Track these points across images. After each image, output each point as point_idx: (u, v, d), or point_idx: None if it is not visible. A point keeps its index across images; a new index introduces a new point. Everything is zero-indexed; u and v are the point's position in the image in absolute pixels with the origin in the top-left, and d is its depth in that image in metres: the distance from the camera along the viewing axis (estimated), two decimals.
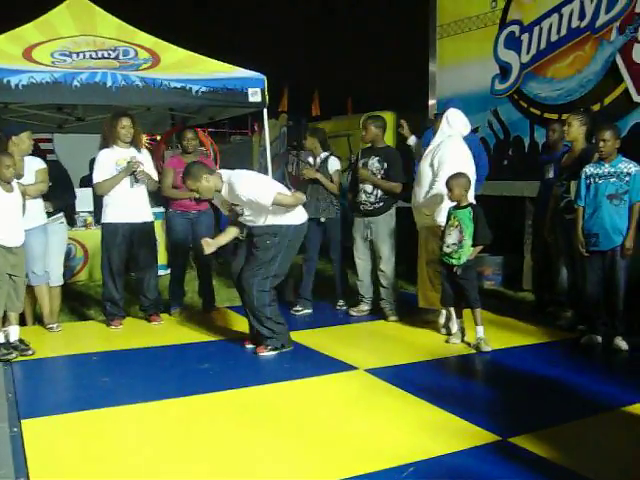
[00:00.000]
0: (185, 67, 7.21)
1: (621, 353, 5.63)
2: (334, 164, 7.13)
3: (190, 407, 4.44)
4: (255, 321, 5.56)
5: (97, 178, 6.36)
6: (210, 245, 5.58)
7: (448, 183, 5.70)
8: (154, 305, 6.71)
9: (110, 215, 6.40)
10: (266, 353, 5.53)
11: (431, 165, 6.03)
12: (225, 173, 5.56)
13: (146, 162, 6.49)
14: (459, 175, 5.71)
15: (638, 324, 5.87)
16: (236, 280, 5.70)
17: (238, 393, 4.69)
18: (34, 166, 6.05)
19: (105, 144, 6.42)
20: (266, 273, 5.50)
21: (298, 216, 5.61)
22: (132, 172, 6.31)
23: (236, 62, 7.55)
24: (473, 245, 5.69)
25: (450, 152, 6.01)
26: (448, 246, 5.73)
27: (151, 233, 6.69)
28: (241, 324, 6.24)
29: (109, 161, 6.36)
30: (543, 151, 7.36)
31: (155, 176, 6.60)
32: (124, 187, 6.37)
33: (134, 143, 6.47)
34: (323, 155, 7.22)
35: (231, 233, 5.72)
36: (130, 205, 6.40)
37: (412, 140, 7.20)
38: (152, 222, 6.70)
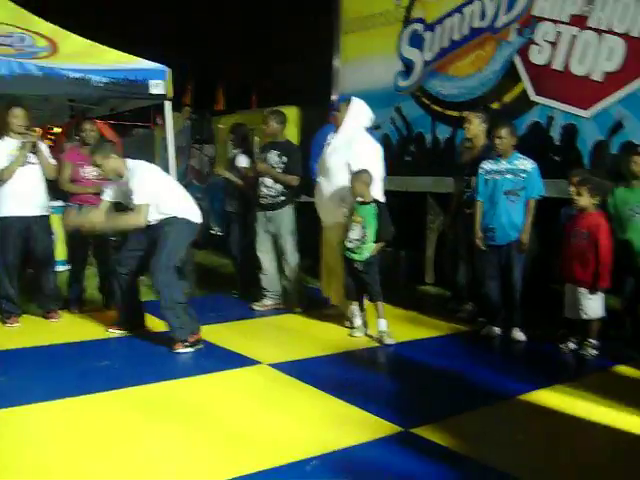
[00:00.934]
0: (85, 57, 6.98)
1: (518, 344, 5.81)
2: (241, 160, 7.10)
3: (90, 405, 4.29)
4: (170, 313, 5.44)
5: None
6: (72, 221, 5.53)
7: (350, 180, 5.74)
8: (52, 302, 6.48)
9: (4, 209, 6.13)
10: (182, 350, 5.41)
11: (345, 161, 6.01)
12: (130, 162, 5.47)
13: (41, 149, 6.27)
14: (360, 172, 5.75)
15: (535, 315, 6.05)
16: (128, 277, 5.70)
17: (139, 390, 4.57)
18: None
19: None
20: (173, 262, 5.44)
21: (190, 214, 5.58)
22: (31, 151, 6.11)
23: (140, 54, 7.36)
24: (375, 241, 5.74)
25: (366, 148, 6.06)
26: (351, 241, 5.76)
27: (47, 227, 6.45)
28: (147, 319, 6.10)
29: (2, 151, 6.09)
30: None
31: (53, 162, 6.38)
32: (19, 179, 6.11)
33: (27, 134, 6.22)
34: (235, 151, 7.17)
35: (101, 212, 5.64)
36: (26, 198, 6.15)
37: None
38: (48, 216, 6.45)
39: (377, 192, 5.97)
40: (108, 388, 4.54)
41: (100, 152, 5.46)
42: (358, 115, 6.17)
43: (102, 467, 3.44)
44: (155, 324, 5.97)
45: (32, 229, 6.23)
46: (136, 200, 5.36)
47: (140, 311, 6.03)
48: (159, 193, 5.44)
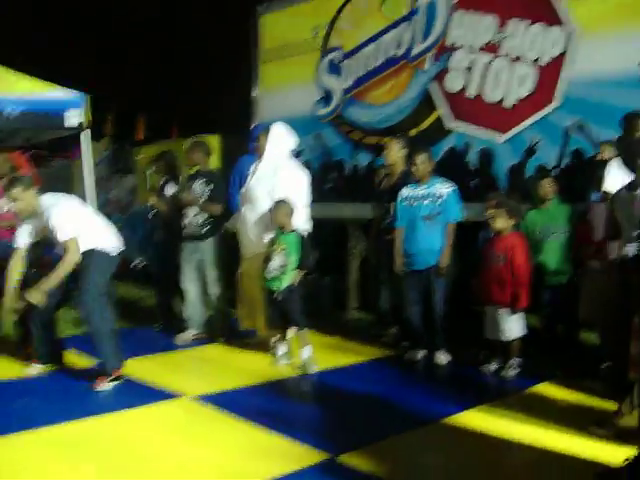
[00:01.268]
0: None
1: (442, 367, 5.86)
2: (168, 189, 7.10)
3: (5, 447, 4.12)
4: (96, 345, 5.29)
5: None
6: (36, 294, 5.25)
7: (271, 209, 5.73)
8: None
9: None
10: (105, 386, 5.24)
11: (270, 190, 5.96)
12: (47, 198, 5.33)
13: None
14: (281, 201, 5.74)
15: (457, 337, 6.12)
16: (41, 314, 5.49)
17: (56, 429, 4.40)
18: None
19: None
20: (97, 293, 5.31)
21: (110, 245, 5.46)
22: None
23: (59, 82, 7.19)
24: (295, 270, 5.72)
25: (291, 175, 6.05)
26: (271, 270, 5.73)
27: None
28: (66, 356, 5.93)
29: None
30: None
31: None
32: None
33: None
34: (162, 179, 7.18)
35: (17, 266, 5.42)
36: None
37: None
38: None
39: (303, 219, 5.97)
40: (23, 428, 4.36)
41: (18, 186, 5.23)
42: (280, 141, 6.15)
43: None
44: (76, 360, 5.80)
45: None
46: (62, 237, 5.18)
47: (58, 346, 5.84)
48: (79, 224, 5.30)
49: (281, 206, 5.72)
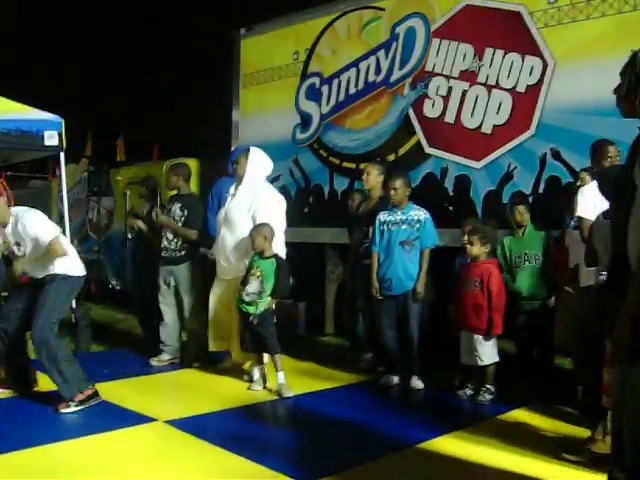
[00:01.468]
0: None
1: (417, 392, 5.85)
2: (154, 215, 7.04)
3: None
4: (52, 371, 5.20)
5: None
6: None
7: (250, 233, 5.73)
8: None
9: None
10: (68, 409, 5.15)
11: (249, 213, 5.95)
12: (14, 209, 5.29)
13: None
14: (261, 225, 5.74)
15: (433, 362, 6.12)
16: (12, 336, 5.45)
17: (23, 454, 4.30)
18: None
19: None
20: (55, 319, 5.25)
21: (73, 268, 5.40)
22: None
23: (35, 105, 7.18)
24: (272, 295, 5.71)
25: (270, 199, 6.06)
26: (247, 295, 5.71)
27: None
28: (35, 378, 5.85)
29: None
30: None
31: None
32: None
33: None
34: (148, 205, 7.20)
35: None
36: None
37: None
38: None
39: (279, 244, 5.97)
40: None
41: None
42: (258, 165, 6.17)
43: None
44: (47, 383, 5.72)
45: None
46: (45, 239, 5.15)
47: (28, 369, 5.75)
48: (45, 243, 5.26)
49: (261, 229, 5.71)
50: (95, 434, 4.69)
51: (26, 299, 5.41)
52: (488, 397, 5.45)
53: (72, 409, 5.16)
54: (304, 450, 4.55)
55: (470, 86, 6.83)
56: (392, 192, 5.93)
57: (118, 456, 4.35)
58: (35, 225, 5.18)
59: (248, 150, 6.26)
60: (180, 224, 6.61)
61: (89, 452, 4.42)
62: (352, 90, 7.96)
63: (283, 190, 7.84)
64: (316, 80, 8.34)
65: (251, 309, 5.68)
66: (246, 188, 6.08)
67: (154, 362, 6.74)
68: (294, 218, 6.46)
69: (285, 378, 5.69)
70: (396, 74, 7.53)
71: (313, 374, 6.39)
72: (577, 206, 4.93)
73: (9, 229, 5.22)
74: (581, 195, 4.94)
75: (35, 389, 5.71)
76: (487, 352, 5.47)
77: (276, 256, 5.78)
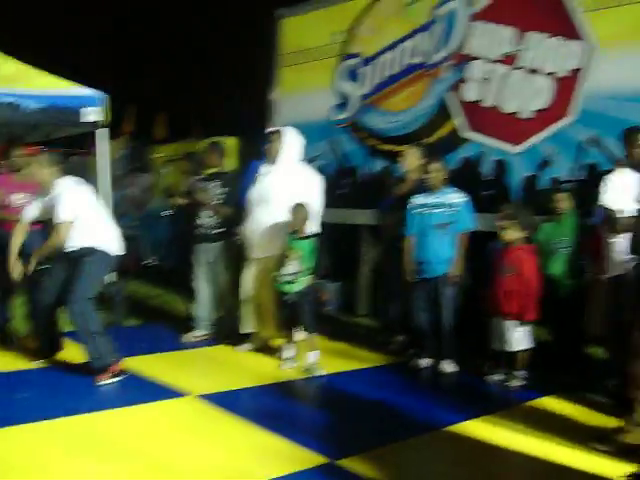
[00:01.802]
0: (17, 81, 6.87)
1: (448, 375, 5.85)
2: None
3: (9, 439, 4.17)
4: (86, 342, 5.33)
5: None
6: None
7: (289, 213, 5.76)
8: None
9: None
10: (106, 381, 5.29)
11: (287, 192, 5.99)
12: (62, 180, 5.46)
13: None
14: (299, 205, 5.77)
15: (465, 347, 6.12)
16: (47, 308, 5.60)
17: (62, 422, 4.45)
18: None
19: None
20: (90, 292, 5.39)
21: (110, 245, 5.54)
22: None
23: (79, 80, 7.26)
24: (309, 275, 5.74)
25: (309, 179, 6.16)
26: (285, 275, 5.75)
27: None
28: (71, 350, 5.98)
29: None
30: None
31: None
32: None
33: None
34: (192, 179, 7.25)
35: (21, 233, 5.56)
36: None
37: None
38: None
39: (314, 224, 6.01)
40: (27, 420, 4.41)
41: (44, 160, 5.44)
42: (293, 145, 6.21)
43: None
44: (79, 355, 5.85)
45: None
46: (57, 218, 5.30)
47: (59, 340, 5.91)
48: (83, 217, 5.39)
49: (300, 210, 5.75)
50: (130, 406, 4.81)
51: (64, 271, 5.53)
52: (518, 383, 5.45)
53: (108, 380, 5.28)
54: (334, 428, 4.60)
55: (510, 70, 6.76)
56: (428, 175, 5.92)
57: (152, 428, 4.46)
58: (60, 201, 5.31)
59: (281, 131, 6.29)
60: (218, 202, 6.67)
61: (125, 423, 4.53)
62: (391, 72, 7.92)
63: (320, 171, 7.83)
64: (355, 61, 8.31)
65: (288, 288, 5.72)
66: (281, 169, 6.12)
67: (187, 337, 6.84)
68: (330, 199, 6.46)
69: (317, 358, 5.74)
70: (436, 56, 7.47)
71: (344, 354, 6.42)
72: (603, 194, 4.84)
73: (51, 197, 5.37)
74: (607, 182, 4.85)
75: (69, 360, 5.83)
76: (518, 338, 5.46)
77: (313, 236, 5.81)
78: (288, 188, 6.02)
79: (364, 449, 4.08)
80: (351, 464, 3.84)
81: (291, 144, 6.19)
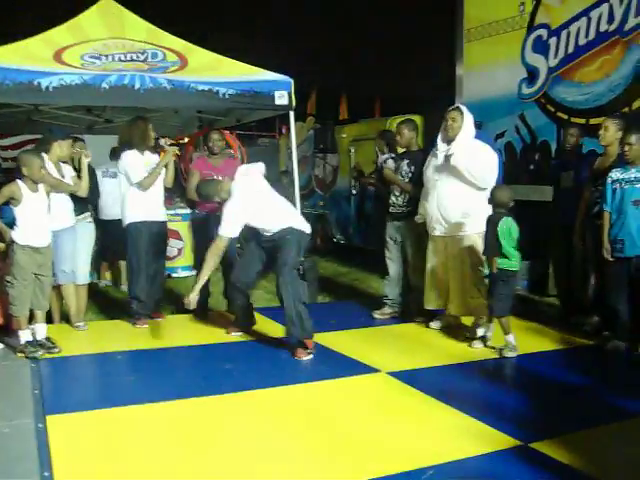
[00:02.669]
0: (212, 69, 7.25)
1: None
2: (389, 165, 7.17)
3: (212, 407, 4.48)
4: (291, 312, 5.54)
5: (138, 178, 6.50)
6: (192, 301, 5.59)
7: (493, 192, 5.73)
8: (159, 303, 6.89)
9: (132, 215, 6.53)
10: (304, 357, 5.53)
11: (471, 171, 5.98)
12: (234, 187, 5.66)
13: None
14: (502, 187, 5.78)
15: None
16: (245, 285, 5.94)
17: (259, 394, 4.73)
18: (70, 171, 6.32)
19: (130, 147, 6.59)
20: (295, 265, 5.64)
21: (302, 226, 5.74)
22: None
23: (263, 65, 7.59)
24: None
25: (490, 157, 6.10)
26: (492, 249, 5.67)
27: (163, 233, 6.82)
28: (266, 325, 6.30)
29: (140, 162, 6.53)
30: (557, 156, 7.29)
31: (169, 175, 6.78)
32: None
33: (154, 145, 6.77)
34: (384, 157, 7.40)
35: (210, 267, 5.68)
36: (152, 206, 6.57)
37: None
38: (165, 222, 6.87)
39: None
40: (229, 390, 4.73)
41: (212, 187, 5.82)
42: (471, 122, 6.16)
43: (217, 468, 3.60)
44: (275, 329, 6.14)
45: (152, 234, 6.59)
46: (219, 231, 5.53)
47: (253, 314, 6.31)
48: (270, 205, 5.69)
49: (503, 190, 5.69)
50: (322, 380, 5.01)
51: (257, 251, 5.83)
52: None
53: (309, 356, 5.52)
54: (523, 411, 4.54)
55: None
56: (626, 148, 5.63)
57: (345, 402, 4.61)
58: (225, 211, 5.57)
59: (459, 108, 6.22)
60: (407, 180, 6.72)
61: (319, 396, 4.73)
62: (582, 41, 7.57)
63: (508, 147, 7.72)
64: (543, 32, 8.01)
65: (503, 263, 5.64)
66: (463, 145, 6.06)
67: (377, 315, 6.97)
68: (519, 175, 6.32)
69: (513, 339, 5.64)
70: (631, 22, 7.04)
71: (535, 334, 6.29)
72: None
73: None
74: None
75: (265, 334, 6.15)
76: None
77: (509, 214, 5.71)
78: (467, 165, 5.98)
79: (558, 433, 3.99)
80: (544, 448, 3.77)
81: (470, 121, 6.13)
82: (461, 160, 5.98)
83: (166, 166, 6.63)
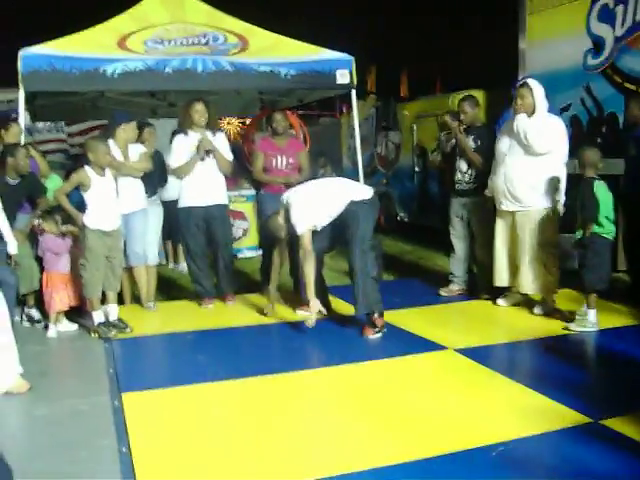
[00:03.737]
0: (273, 51, 7.30)
1: None
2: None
3: (280, 384, 4.56)
4: (359, 283, 5.57)
5: (174, 163, 6.55)
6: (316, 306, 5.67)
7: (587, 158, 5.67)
8: (228, 286, 6.85)
9: (185, 200, 6.57)
10: (372, 335, 5.55)
11: (547, 145, 5.94)
12: (293, 196, 5.74)
13: (220, 144, 6.62)
14: (592, 149, 5.75)
15: None
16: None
17: (327, 371, 4.80)
18: (138, 150, 6.39)
19: (180, 129, 6.63)
20: (365, 236, 5.61)
21: (362, 193, 5.74)
22: (205, 151, 6.46)
23: (323, 44, 7.59)
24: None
25: (562, 131, 6.05)
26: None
27: (225, 216, 6.79)
28: (334, 303, 6.33)
29: (184, 146, 6.51)
30: (624, 127, 7.11)
31: (229, 158, 6.71)
32: (198, 171, 6.51)
33: (210, 126, 6.60)
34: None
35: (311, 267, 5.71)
36: (204, 189, 6.53)
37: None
38: (226, 205, 6.81)
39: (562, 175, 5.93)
40: (297, 368, 4.82)
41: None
42: (542, 96, 6.06)
43: (283, 445, 3.66)
44: (342, 308, 6.17)
45: (211, 218, 6.60)
46: (298, 232, 5.60)
47: (325, 293, 6.23)
48: (330, 193, 5.73)
49: (593, 149, 5.69)
50: (390, 358, 5.05)
51: (329, 230, 5.83)
52: None
53: (378, 335, 5.55)
54: (594, 388, 4.51)
55: None
56: None
57: (412, 379, 4.65)
58: (293, 219, 5.61)
59: (527, 83, 6.12)
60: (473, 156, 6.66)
61: (387, 373, 4.77)
62: None
63: (574, 120, 7.56)
64: (609, 0, 7.80)
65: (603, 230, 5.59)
66: (531, 119, 5.97)
67: (443, 292, 6.96)
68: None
69: (594, 316, 5.57)
70: None
71: (604, 310, 6.12)
72: None
73: None
74: None
75: (332, 312, 6.17)
76: None
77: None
78: (538, 139, 5.89)
79: (630, 410, 3.92)
80: (616, 425, 3.72)
81: (540, 95, 6.02)
82: (528, 135, 5.91)
83: (214, 154, 6.55)
